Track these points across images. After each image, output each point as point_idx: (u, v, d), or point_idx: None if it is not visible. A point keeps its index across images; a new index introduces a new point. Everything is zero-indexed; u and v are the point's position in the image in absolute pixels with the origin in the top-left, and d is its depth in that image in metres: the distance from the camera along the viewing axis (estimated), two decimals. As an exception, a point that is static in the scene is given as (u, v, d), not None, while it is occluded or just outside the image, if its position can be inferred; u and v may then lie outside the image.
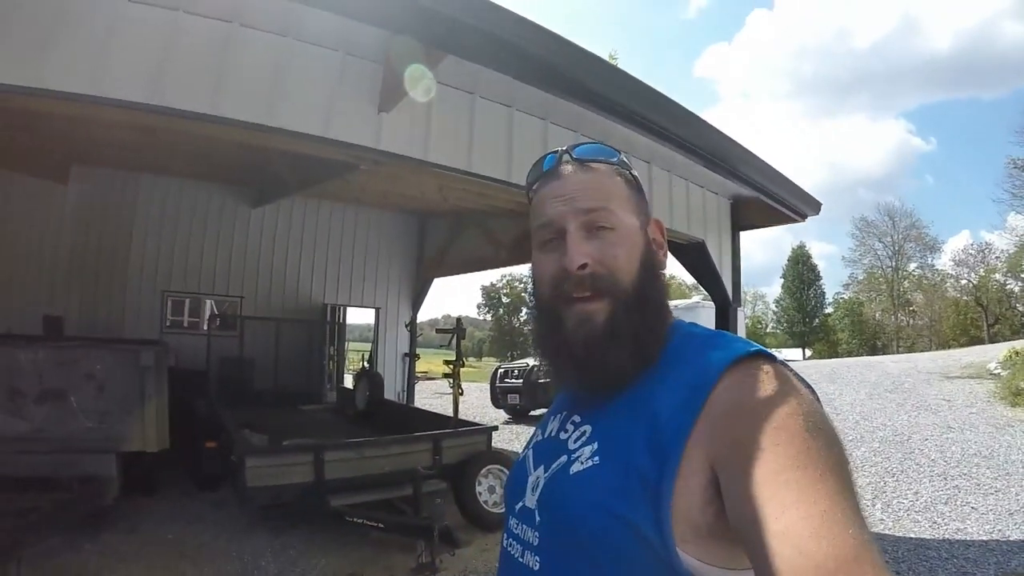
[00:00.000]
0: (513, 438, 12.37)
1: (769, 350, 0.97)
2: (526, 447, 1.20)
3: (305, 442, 6.94)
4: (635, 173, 1.15)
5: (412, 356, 12.38)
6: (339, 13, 3.48)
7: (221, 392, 10.98)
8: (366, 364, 12.99)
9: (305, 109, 3.93)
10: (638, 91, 4.59)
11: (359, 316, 15.11)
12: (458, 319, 9.02)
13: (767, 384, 0.88)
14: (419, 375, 22.25)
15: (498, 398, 15.71)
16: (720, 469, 0.84)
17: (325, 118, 3.98)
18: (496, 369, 16.71)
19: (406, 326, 12.07)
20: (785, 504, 0.73)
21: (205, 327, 11.76)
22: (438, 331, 9.17)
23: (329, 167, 7.63)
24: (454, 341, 8.63)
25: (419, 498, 6.18)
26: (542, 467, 1.07)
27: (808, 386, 0.91)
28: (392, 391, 12.79)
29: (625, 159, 1.15)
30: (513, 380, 15.46)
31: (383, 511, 6.28)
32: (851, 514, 0.72)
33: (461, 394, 8.47)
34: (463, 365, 8.57)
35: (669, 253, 1.21)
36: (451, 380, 8.50)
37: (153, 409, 6.27)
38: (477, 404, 17.23)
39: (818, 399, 0.90)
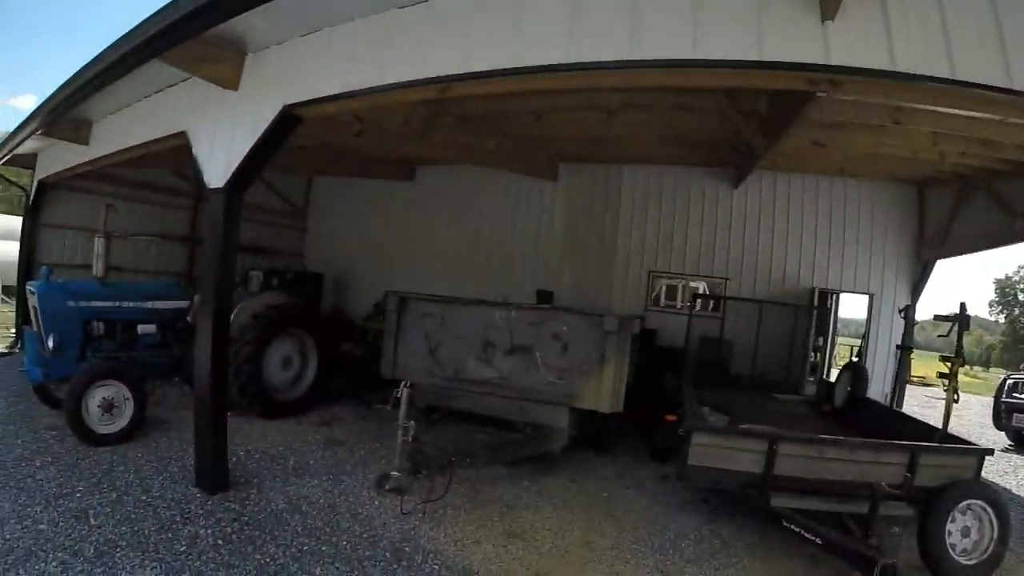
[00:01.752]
0: (1010, 471, 9.63)
1: None
2: None
3: (760, 428, 6.32)
4: None
5: (905, 349, 10.22)
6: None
7: (698, 371, 11.08)
8: (855, 358, 11.45)
9: (731, 32, 3.39)
10: None
11: (852, 310, 13.33)
12: (962, 303, 7.06)
13: None
14: (914, 379, 18.73)
15: (1001, 416, 11.89)
16: None
17: (756, 39, 3.37)
18: (1004, 380, 12.67)
19: (900, 312, 10.04)
20: None
21: (687, 307, 12.04)
22: (936, 317, 7.33)
23: (788, 108, 6.74)
24: (954, 332, 6.91)
25: (873, 520, 5.11)
26: None
27: None
28: (879, 391, 10.94)
29: None
30: None
31: (827, 525, 5.34)
32: None
33: (956, 401, 6.67)
34: (962, 364, 6.83)
35: None
36: (946, 381, 6.78)
37: (611, 372, 6.54)
38: (974, 421, 13.96)
39: None
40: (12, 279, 13.15)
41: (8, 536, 4.50)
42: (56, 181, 11.00)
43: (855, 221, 11.72)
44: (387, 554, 4.93)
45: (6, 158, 10.91)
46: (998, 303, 54.63)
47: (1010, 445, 11.45)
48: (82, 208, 11.82)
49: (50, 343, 6.78)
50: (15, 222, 14.82)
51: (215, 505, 5.44)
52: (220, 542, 4.84)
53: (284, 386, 8.57)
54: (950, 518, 5.41)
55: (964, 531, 5.45)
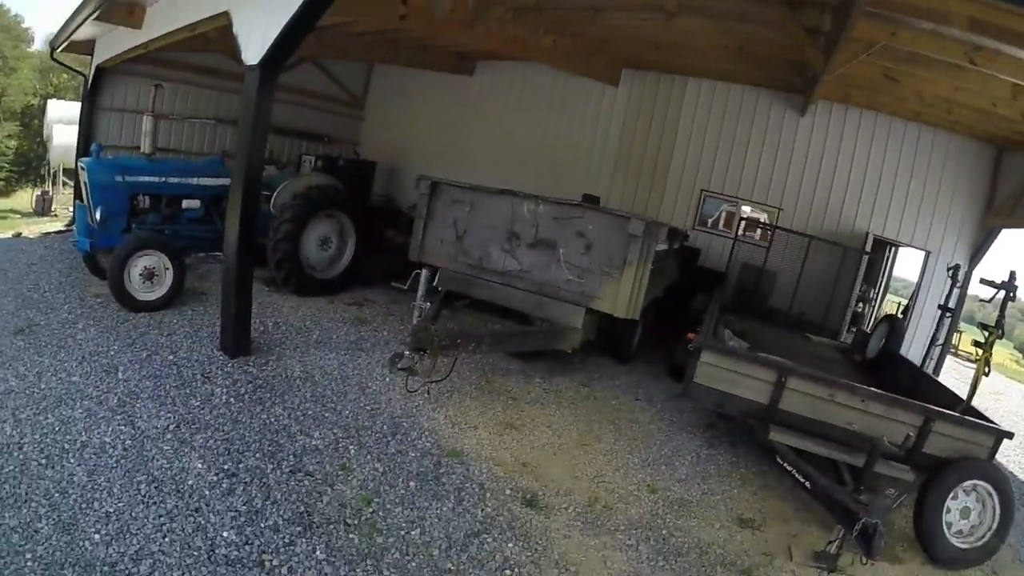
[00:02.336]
0: None
1: None
2: None
3: (773, 358, 6.09)
4: None
5: (946, 310, 9.65)
6: None
7: (735, 298, 11.04)
8: (901, 314, 10.92)
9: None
10: None
11: (909, 271, 12.64)
12: (1012, 272, 6.60)
13: None
14: (960, 352, 17.98)
15: None
16: None
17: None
18: None
19: (948, 271, 9.46)
20: None
21: (734, 231, 11.78)
22: (983, 281, 6.89)
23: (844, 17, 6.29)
24: (998, 300, 6.44)
25: (866, 475, 4.91)
26: None
27: None
28: (919, 352, 10.57)
29: None
30: None
31: (822, 472, 5.12)
32: None
33: (986, 374, 6.23)
34: (1000, 335, 6.29)
35: None
36: (979, 351, 6.35)
37: (630, 277, 6.33)
38: (1011, 409, 12.84)
39: None
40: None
41: (44, 386, 4.92)
42: (113, 66, 11.24)
43: (923, 171, 10.93)
44: (384, 426, 5.23)
45: (65, 43, 11.16)
46: (1069, 296, 51.08)
47: None
48: (138, 91, 12.06)
49: (97, 215, 7.11)
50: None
51: (234, 368, 5.79)
52: (232, 400, 5.20)
53: (320, 265, 8.89)
54: (952, 494, 5.10)
55: (964, 512, 5.13)
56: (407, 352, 5.69)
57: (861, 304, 12.62)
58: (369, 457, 4.69)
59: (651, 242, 6.28)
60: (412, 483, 4.43)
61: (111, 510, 3.62)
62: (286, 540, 3.63)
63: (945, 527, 5.05)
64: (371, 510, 4.04)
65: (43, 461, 3.97)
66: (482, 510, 4.28)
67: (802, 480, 4.98)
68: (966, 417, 5.51)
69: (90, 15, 8.68)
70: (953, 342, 12.50)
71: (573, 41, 10.64)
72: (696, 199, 12.31)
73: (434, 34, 11.12)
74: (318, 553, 3.56)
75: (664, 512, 4.83)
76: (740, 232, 11.60)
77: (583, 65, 11.80)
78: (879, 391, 5.55)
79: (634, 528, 4.53)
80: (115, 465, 4.06)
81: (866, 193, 11.27)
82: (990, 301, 6.78)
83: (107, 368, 5.38)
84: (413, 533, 3.89)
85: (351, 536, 3.76)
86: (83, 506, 3.61)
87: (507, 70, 14.23)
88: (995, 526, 5.09)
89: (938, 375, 10.80)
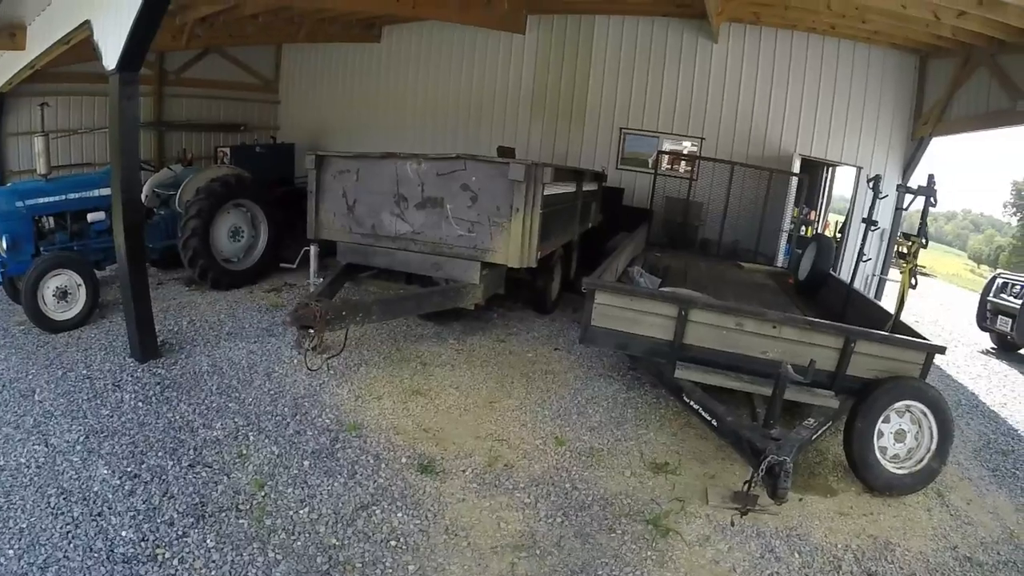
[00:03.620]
0: (983, 375, 8.44)
1: None
2: None
3: (671, 292, 6.07)
4: None
5: (871, 223, 9.56)
6: None
7: (663, 232, 11.26)
8: (837, 234, 11.05)
9: None
10: None
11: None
12: (930, 175, 6.23)
13: None
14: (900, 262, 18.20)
15: (985, 317, 10.78)
16: None
17: None
18: (993, 278, 11.24)
19: (868, 182, 9.32)
20: None
21: (653, 166, 11.96)
22: (900, 188, 6.76)
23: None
24: (917, 208, 6.27)
25: (775, 406, 4.59)
26: None
27: None
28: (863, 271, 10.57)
29: None
30: (1011, 298, 10.37)
31: (731, 406, 4.97)
32: None
33: (913, 286, 6.03)
34: (924, 244, 6.08)
35: None
36: (904, 261, 6.15)
37: (520, 224, 6.21)
38: (960, 321, 12.73)
39: None
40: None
41: (-36, 422, 4.91)
42: (10, 90, 10.94)
43: (846, 87, 10.99)
44: (285, 409, 5.34)
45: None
46: (1013, 205, 53.52)
47: (992, 348, 10.76)
48: (41, 112, 11.80)
49: (3, 243, 7.05)
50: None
51: (144, 372, 5.87)
52: (140, 404, 5.29)
53: (236, 256, 8.92)
54: (883, 417, 4.91)
55: (898, 435, 4.95)
56: (311, 331, 5.65)
57: (804, 227, 12.78)
58: (267, 441, 4.82)
59: (535, 186, 6.17)
60: (307, 462, 4.57)
61: (24, 526, 3.75)
62: (179, 532, 3.77)
63: (878, 452, 4.88)
64: (263, 494, 4.19)
65: (-36, 491, 4.07)
66: (375, 482, 4.41)
67: (709, 418, 4.80)
68: (891, 334, 5.34)
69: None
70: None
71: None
72: (617, 138, 12.39)
73: (313, 2, 11.04)
74: (208, 541, 3.71)
75: (570, 465, 4.84)
76: (661, 166, 11.78)
77: (485, 15, 11.70)
78: (788, 315, 5.44)
79: (535, 485, 4.54)
80: (29, 483, 4.16)
81: (790, 114, 11.41)
82: (907, 208, 6.77)
83: (24, 392, 5.42)
84: (302, 512, 4.04)
85: (241, 521, 3.91)
86: None
87: (413, 32, 14.19)
88: (933, 448, 4.93)
89: (880, 293, 11.04)
